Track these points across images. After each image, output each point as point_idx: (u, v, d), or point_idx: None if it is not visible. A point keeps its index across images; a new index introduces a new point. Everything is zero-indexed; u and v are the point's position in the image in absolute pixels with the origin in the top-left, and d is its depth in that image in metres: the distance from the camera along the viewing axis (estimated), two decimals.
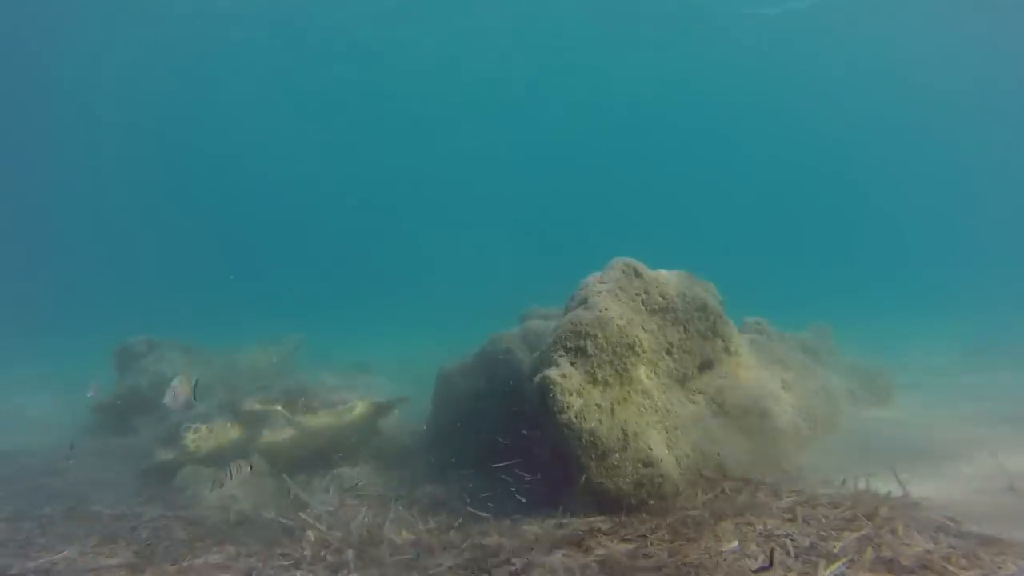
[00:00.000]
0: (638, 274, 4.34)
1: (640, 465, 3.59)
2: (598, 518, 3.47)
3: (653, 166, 42.86)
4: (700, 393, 4.39)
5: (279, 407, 5.69)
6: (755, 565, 2.63)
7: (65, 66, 24.81)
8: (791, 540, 2.86)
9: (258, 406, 5.71)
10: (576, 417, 3.53)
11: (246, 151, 36.83)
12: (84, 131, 31.68)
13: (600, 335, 3.78)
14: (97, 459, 6.37)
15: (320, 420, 5.78)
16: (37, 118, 29.07)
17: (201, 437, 5.45)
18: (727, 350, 4.75)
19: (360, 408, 6.03)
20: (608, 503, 3.56)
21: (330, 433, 5.85)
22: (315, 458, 5.55)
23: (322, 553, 3.16)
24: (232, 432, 5.66)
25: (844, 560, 2.58)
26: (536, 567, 2.81)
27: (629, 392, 3.82)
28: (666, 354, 4.17)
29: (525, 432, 4.36)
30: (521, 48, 27.26)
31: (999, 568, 2.49)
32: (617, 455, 3.56)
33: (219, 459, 5.39)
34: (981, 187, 41.51)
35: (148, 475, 5.47)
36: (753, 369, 5.05)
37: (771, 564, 2.56)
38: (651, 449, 3.66)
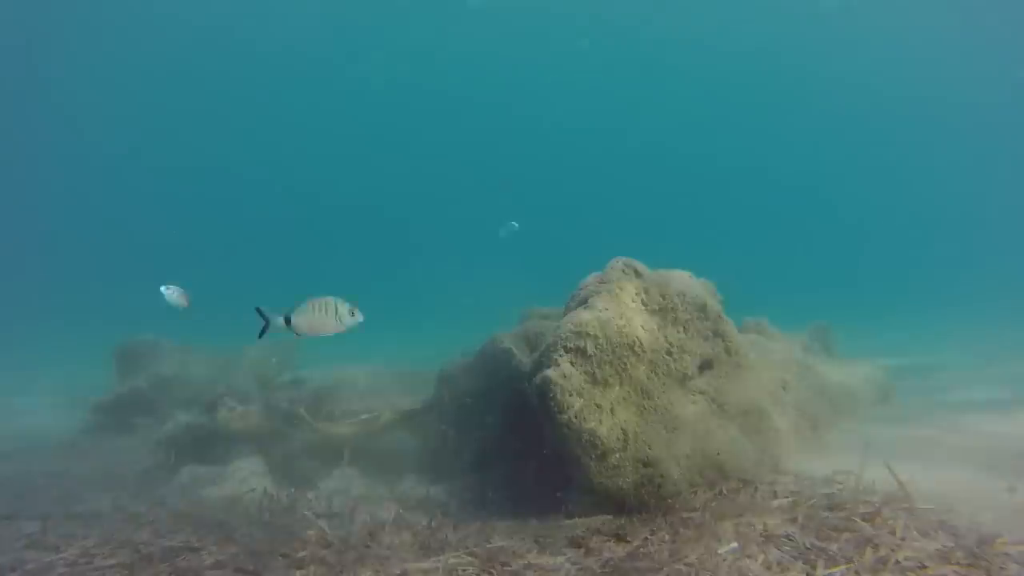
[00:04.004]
0: (638, 274, 4.33)
1: (640, 465, 3.59)
2: (598, 518, 3.47)
3: (653, 166, 42.87)
4: (700, 393, 4.38)
5: (303, 410, 5.87)
6: (755, 565, 2.63)
7: (64, 66, 24.80)
8: (791, 540, 2.86)
9: (285, 404, 6.02)
10: (576, 417, 3.53)
11: (245, 150, 36.85)
12: (83, 131, 31.67)
13: (600, 335, 3.77)
14: (97, 459, 6.37)
15: (340, 429, 5.84)
16: (37, 117, 29.08)
17: (234, 417, 5.84)
18: (727, 350, 4.74)
19: (387, 417, 6.00)
20: (608, 503, 3.56)
21: (347, 441, 5.85)
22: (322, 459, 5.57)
23: (322, 553, 3.15)
24: (257, 420, 5.96)
25: (844, 567, 2.58)
26: (536, 568, 2.81)
27: (629, 392, 3.81)
28: (666, 354, 4.16)
29: (524, 432, 4.36)
30: (520, 52, 27.28)
31: (1001, 569, 2.49)
32: (617, 455, 3.55)
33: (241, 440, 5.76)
34: (985, 186, 41.46)
35: (144, 473, 5.50)
36: (753, 369, 5.04)
37: None
38: (651, 449, 3.65)
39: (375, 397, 6.29)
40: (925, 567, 2.51)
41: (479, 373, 5.42)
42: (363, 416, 5.90)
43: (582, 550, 3.01)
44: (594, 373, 3.72)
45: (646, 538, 3.09)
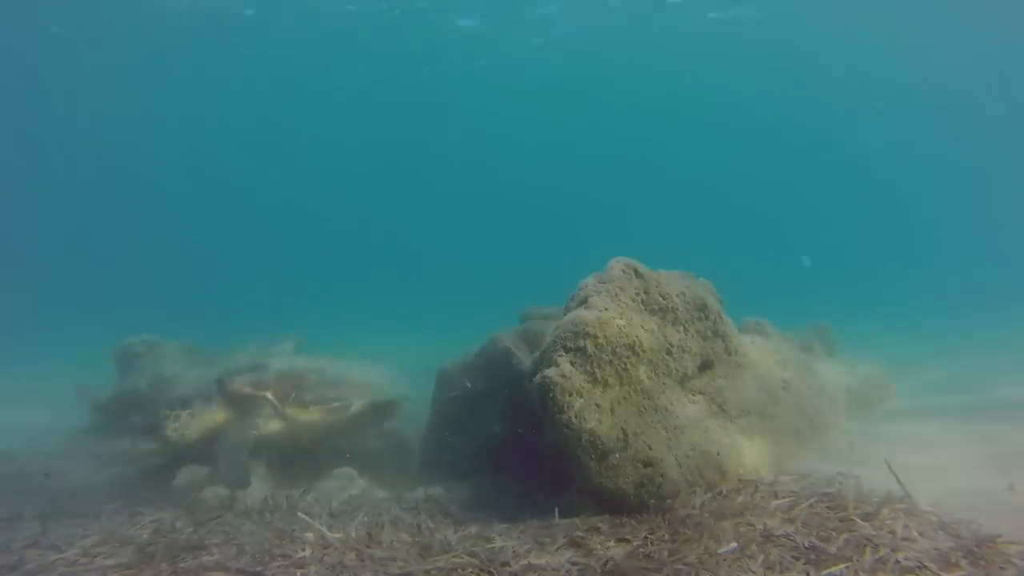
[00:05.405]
0: (638, 274, 4.34)
1: (640, 465, 3.59)
2: (598, 518, 3.47)
3: (653, 166, 42.89)
4: (700, 393, 4.39)
5: (268, 394, 5.27)
6: (755, 565, 2.63)
7: (61, 67, 24.82)
8: (790, 540, 2.86)
9: (248, 389, 5.27)
10: (576, 417, 3.53)
11: (243, 149, 36.87)
12: (83, 130, 31.68)
13: (600, 335, 3.77)
14: (96, 460, 6.37)
15: (310, 416, 5.43)
16: (36, 117, 29.10)
17: (183, 425, 5.00)
18: (727, 350, 4.74)
19: (356, 407, 5.73)
20: (608, 503, 3.56)
21: (319, 431, 5.57)
22: (310, 456, 5.49)
23: (322, 554, 3.16)
24: (218, 416, 5.21)
25: (843, 567, 2.58)
26: (535, 568, 2.81)
27: (629, 392, 3.82)
28: (666, 354, 4.17)
29: (524, 432, 4.36)
30: (517, 53, 27.32)
31: (1001, 569, 2.49)
32: (617, 455, 3.56)
33: (208, 446, 5.10)
34: (984, 186, 41.46)
35: (144, 472, 5.41)
36: (753, 369, 5.04)
37: None
38: (651, 449, 3.65)
39: (345, 386, 5.76)
40: (925, 567, 2.51)
41: (479, 373, 5.42)
42: (335, 404, 5.53)
43: (582, 550, 3.01)
44: (594, 373, 3.72)
45: (646, 538, 3.09)
